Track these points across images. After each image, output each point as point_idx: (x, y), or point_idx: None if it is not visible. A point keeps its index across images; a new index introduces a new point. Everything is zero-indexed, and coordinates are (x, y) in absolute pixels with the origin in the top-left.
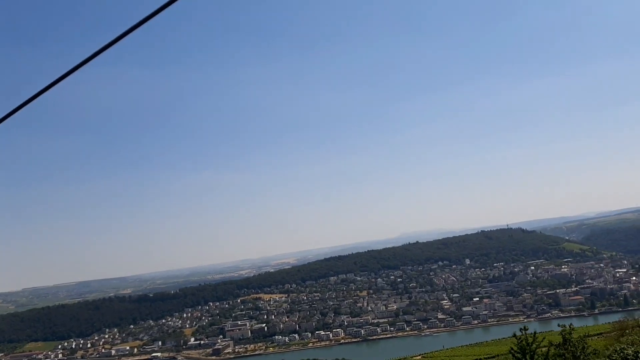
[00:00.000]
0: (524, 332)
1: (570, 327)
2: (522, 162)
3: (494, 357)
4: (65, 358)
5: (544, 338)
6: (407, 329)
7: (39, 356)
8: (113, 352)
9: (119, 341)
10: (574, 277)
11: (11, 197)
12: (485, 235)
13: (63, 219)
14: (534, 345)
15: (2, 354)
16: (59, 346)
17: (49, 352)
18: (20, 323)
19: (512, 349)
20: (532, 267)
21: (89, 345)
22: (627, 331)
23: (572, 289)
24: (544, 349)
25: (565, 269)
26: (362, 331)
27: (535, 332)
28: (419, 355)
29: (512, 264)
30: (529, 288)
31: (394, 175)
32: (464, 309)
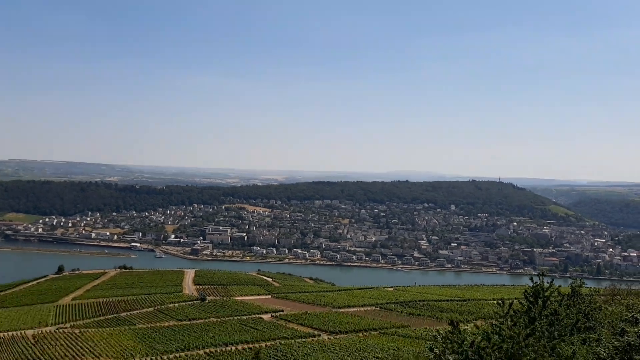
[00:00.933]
0: (540, 278)
1: (580, 281)
2: (525, 118)
3: (465, 300)
4: (45, 233)
5: (559, 286)
6: (382, 261)
7: (19, 227)
8: (93, 235)
9: (100, 226)
10: (553, 239)
11: (10, 65)
12: (475, 185)
13: (62, 94)
14: (549, 292)
15: None
16: (40, 220)
17: (29, 225)
18: (4, 192)
19: (525, 291)
20: (515, 223)
21: (70, 225)
22: (618, 297)
23: (549, 250)
24: (558, 298)
25: (547, 230)
26: (338, 256)
27: (552, 280)
28: (391, 287)
29: (496, 217)
30: (508, 242)
31: (394, 111)
32: (441, 251)
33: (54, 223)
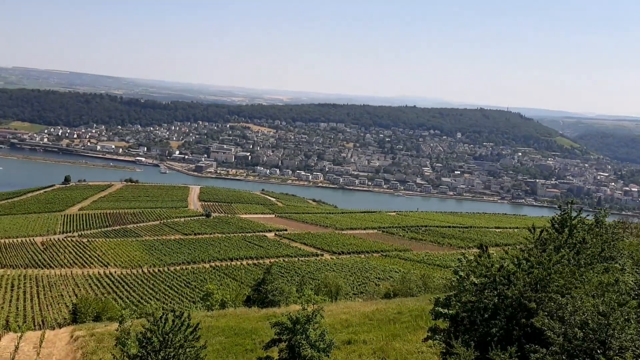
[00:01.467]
0: (569, 205)
1: (605, 211)
2: (535, 44)
3: (467, 227)
4: (51, 143)
5: (587, 216)
6: (384, 186)
7: (24, 136)
8: (98, 147)
9: (105, 138)
10: (556, 170)
11: None
12: (483, 114)
13: (65, 1)
14: (576, 221)
15: None
16: (45, 130)
17: (34, 134)
18: (9, 100)
19: (553, 219)
20: (520, 154)
21: (75, 136)
22: (629, 230)
23: (552, 182)
24: (584, 226)
25: (551, 162)
26: (341, 179)
27: (581, 210)
28: (393, 211)
29: (501, 146)
30: (511, 172)
31: (403, 32)
32: (444, 179)
33: (59, 134)
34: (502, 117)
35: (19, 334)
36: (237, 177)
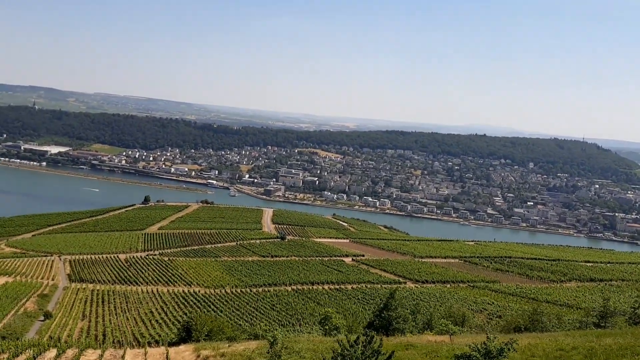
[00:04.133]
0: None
1: None
2: (613, 74)
3: (555, 260)
4: (128, 165)
5: None
6: (454, 215)
7: (104, 157)
8: (172, 169)
9: (179, 161)
10: (637, 204)
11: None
12: (557, 144)
13: (145, 30)
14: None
15: (70, 148)
16: (123, 153)
17: (114, 156)
18: (91, 124)
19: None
20: (597, 186)
21: (151, 158)
22: None
23: (633, 216)
24: None
25: (631, 195)
26: (409, 207)
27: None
28: (471, 241)
29: (576, 178)
30: (588, 205)
31: (473, 60)
32: (515, 209)
33: (136, 156)
34: (577, 148)
35: (144, 350)
36: (304, 202)
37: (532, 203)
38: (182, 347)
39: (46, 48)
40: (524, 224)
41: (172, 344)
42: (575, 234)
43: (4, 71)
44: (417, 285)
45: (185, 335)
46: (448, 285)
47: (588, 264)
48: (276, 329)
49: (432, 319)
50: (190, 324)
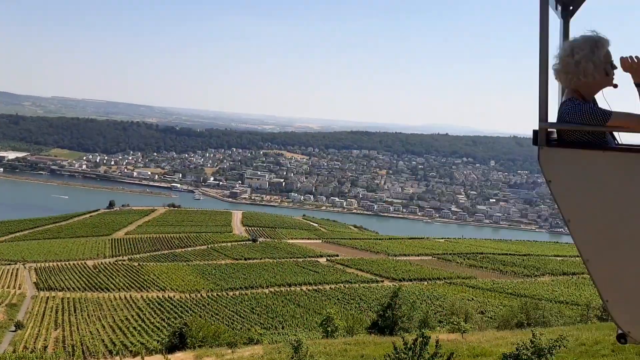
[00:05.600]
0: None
1: None
2: None
3: (526, 255)
4: (89, 170)
5: None
6: (419, 213)
7: (64, 162)
8: (135, 173)
9: (141, 165)
10: None
11: (53, 3)
12: (516, 142)
13: (102, 31)
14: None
15: (27, 153)
16: (84, 157)
17: (74, 161)
18: (49, 128)
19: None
20: None
21: (112, 163)
22: None
23: None
24: None
25: None
26: (375, 206)
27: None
28: (442, 238)
29: (536, 175)
30: (548, 201)
31: (433, 59)
32: (479, 207)
33: (97, 160)
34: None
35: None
36: (271, 203)
37: (494, 200)
38: (179, 354)
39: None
40: (488, 221)
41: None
42: (537, 229)
43: None
44: (394, 284)
45: (178, 342)
46: (425, 283)
47: (558, 258)
48: (276, 332)
49: (428, 316)
50: (183, 330)
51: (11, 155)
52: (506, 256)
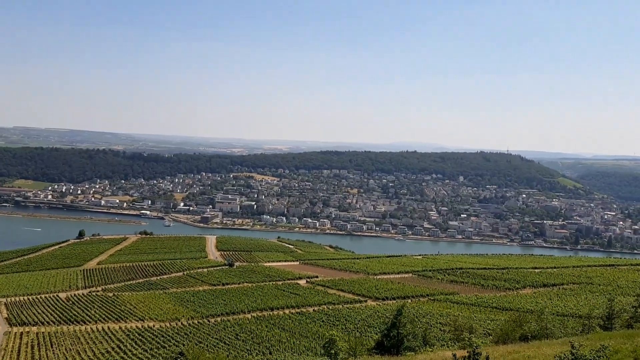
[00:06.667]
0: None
1: None
2: (529, 90)
3: (504, 268)
4: (55, 200)
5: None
6: (392, 231)
7: (29, 193)
8: (103, 202)
9: (109, 193)
10: (563, 211)
11: (13, 34)
12: (483, 157)
13: (63, 61)
14: None
15: None
16: (50, 187)
17: (39, 192)
18: (12, 159)
19: None
20: (524, 195)
21: (79, 192)
22: None
23: (559, 223)
24: None
25: (556, 203)
26: (349, 226)
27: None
28: (419, 255)
29: (504, 189)
30: (517, 214)
31: (398, 80)
32: (451, 222)
33: (63, 190)
34: (502, 160)
35: None
36: (243, 227)
37: (465, 215)
38: None
39: None
40: (460, 236)
41: None
42: (508, 243)
43: None
44: (378, 303)
45: None
46: (409, 300)
47: (536, 270)
48: (265, 359)
49: (427, 334)
50: (178, 359)
51: None
52: (485, 270)
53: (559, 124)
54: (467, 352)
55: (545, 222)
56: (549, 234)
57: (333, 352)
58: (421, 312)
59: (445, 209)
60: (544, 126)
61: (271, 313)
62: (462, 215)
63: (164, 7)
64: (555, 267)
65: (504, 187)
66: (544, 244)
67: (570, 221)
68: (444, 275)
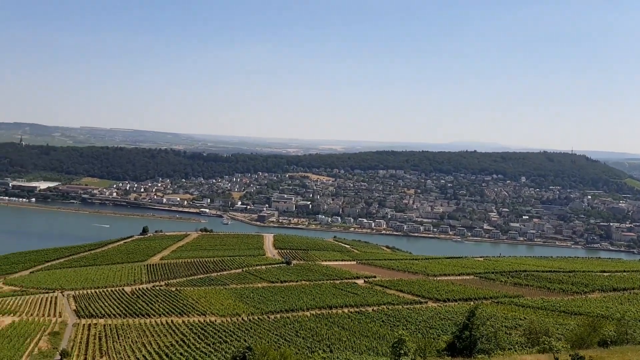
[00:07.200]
0: None
1: None
2: (594, 88)
3: (571, 271)
4: (119, 197)
5: None
6: (450, 232)
7: (95, 191)
8: (164, 200)
9: (170, 191)
10: (630, 213)
11: (80, 39)
12: (546, 157)
13: (127, 63)
14: None
15: (59, 183)
16: (114, 185)
17: (104, 189)
18: (79, 157)
19: None
20: (589, 197)
21: (142, 190)
22: None
23: (627, 225)
24: None
25: (623, 205)
26: (405, 226)
27: None
28: (480, 257)
29: (569, 190)
30: (582, 216)
31: (456, 78)
32: (512, 224)
33: (127, 188)
34: (567, 160)
35: None
36: (299, 226)
37: (527, 217)
38: None
39: (28, 84)
40: (522, 238)
41: None
42: (572, 246)
43: None
44: (439, 305)
45: None
46: (471, 303)
47: (605, 274)
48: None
49: (497, 336)
50: (247, 354)
51: (43, 185)
52: (551, 273)
53: (625, 123)
54: (555, 356)
55: (611, 224)
56: (615, 237)
57: (402, 352)
58: (485, 314)
59: (506, 210)
60: (610, 125)
61: (330, 311)
62: (523, 217)
63: (223, 11)
64: (625, 271)
65: (568, 188)
66: (610, 247)
67: (638, 224)
68: (507, 278)
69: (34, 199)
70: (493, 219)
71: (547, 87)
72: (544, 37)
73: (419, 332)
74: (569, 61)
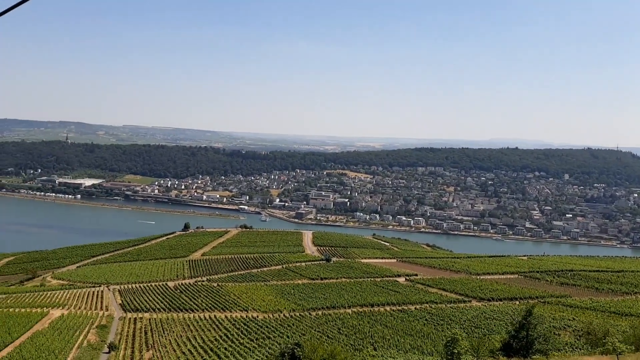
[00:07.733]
0: None
1: None
2: (638, 84)
3: (620, 271)
4: (161, 194)
5: None
6: (491, 231)
7: (137, 188)
8: (204, 197)
9: (210, 188)
10: None
11: (120, 37)
12: (591, 154)
13: (167, 63)
14: None
15: (103, 180)
16: (156, 182)
17: (146, 186)
18: (122, 155)
19: None
20: (636, 195)
21: (182, 187)
22: None
23: None
24: None
25: None
26: (445, 224)
27: None
28: (524, 255)
29: (614, 187)
30: (628, 215)
31: (497, 74)
32: (555, 222)
33: (168, 185)
34: (612, 157)
35: None
36: (337, 223)
37: (570, 215)
38: None
39: (74, 84)
40: (565, 237)
41: None
42: (618, 245)
43: (35, 108)
44: (483, 304)
45: None
46: (517, 302)
47: None
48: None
49: (551, 337)
50: (296, 350)
51: (88, 182)
52: (598, 273)
53: None
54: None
55: None
56: None
57: (456, 351)
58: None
59: (549, 208)
60: None
61: (371, 309)
62: (567, 215)
63: (258, 7)
64: None
65: (613, 186)
66: None
67: None
68: (554, 277)
69: (79, 196)
70: (535, 217)
71: (591, 83)
72: (589, 30)
73: (464, 331)
74: (614, 55)
